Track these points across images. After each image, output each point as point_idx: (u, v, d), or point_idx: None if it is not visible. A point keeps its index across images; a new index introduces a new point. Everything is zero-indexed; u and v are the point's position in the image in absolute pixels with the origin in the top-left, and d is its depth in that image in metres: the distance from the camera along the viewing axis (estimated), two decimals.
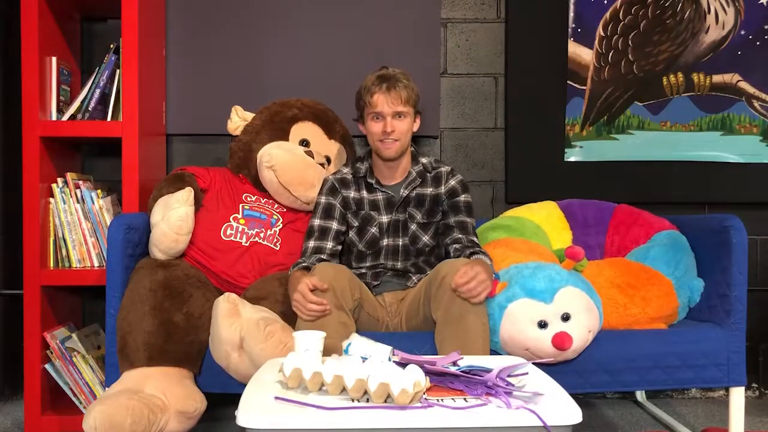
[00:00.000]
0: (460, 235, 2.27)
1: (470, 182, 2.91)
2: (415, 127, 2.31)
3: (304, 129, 2.54)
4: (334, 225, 2.30)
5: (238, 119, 2.57)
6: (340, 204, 2.32)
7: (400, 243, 2.31)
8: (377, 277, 2.31)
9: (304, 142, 2.52)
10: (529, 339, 1.99)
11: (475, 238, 2.29)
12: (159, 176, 2.66)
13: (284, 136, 2.51)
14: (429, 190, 2.33)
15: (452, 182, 2.33)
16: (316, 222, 2.31)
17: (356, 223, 2.33)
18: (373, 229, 2.31)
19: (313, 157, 2.44)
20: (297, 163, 2.40)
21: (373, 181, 2.33)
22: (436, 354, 1.96)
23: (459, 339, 1.95)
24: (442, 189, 2.33)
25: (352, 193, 2.34)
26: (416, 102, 2.27)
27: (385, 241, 2.31)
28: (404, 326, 2.23)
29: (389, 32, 2.85)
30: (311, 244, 2.28)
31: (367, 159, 2.37)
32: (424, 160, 2.37)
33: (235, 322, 1.96)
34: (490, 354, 2.01)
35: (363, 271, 2.32)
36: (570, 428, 1.36)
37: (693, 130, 2.91)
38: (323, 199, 2.33)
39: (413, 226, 2.31)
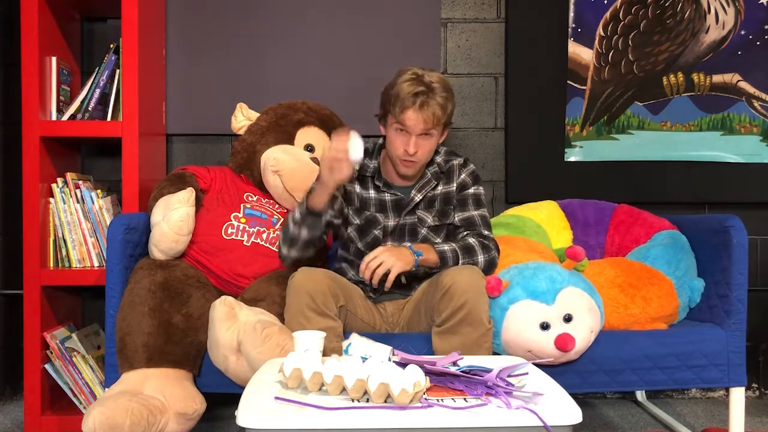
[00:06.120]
0: (466, 233, 2.13)
1: None
2: (441, 139, 2.13)
3: (310, 134, 2.53)
4: (329, 213, 2.05)
5: (243, 117, 2.55)
6: (340, 195, 2.13)
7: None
8: (377, 290, 2.14)
9: (309, 147, 2.51)
10: (532, 341, 1.99)
11: (485, 231, 2.14)
12: (159, 176, 2.66)
13: (290, 140, 2.50)
14: (440, 189, 2.17)
15: (463, 175, 2.19)
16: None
17: (357, 221, 2.18)
18: (377, 232, 2.17)
19: (318, 164, 2.43)
20: (303, 170, 2.37)
21: (380, 184, 2.16)
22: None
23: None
24: (454, 185, 2.18)
25: (357, 188, 2.18)
26: (449, 117, 2.07)
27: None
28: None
29: (389, 32, 2.85)
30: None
31: (375, 155, 2.18)
32: (438, 158, 2.20)
33: (232, 326, 1.94)
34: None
35: (365, 284, 2.15)
36: (570, 428, 1.36)
37: (693, 130, 2.91)
38: None
39: (424, 231, 2.16)
